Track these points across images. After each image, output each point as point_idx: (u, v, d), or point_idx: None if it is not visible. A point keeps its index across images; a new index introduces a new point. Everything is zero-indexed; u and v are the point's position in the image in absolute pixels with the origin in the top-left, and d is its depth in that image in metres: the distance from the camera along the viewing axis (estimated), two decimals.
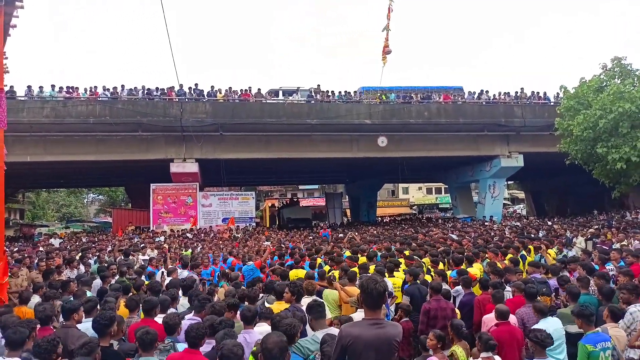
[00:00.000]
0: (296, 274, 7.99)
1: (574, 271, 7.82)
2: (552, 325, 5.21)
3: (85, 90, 22.81)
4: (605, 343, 4.68)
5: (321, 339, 4.19)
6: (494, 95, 26.66)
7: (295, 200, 45.24)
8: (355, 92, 26.35)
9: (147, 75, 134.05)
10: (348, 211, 45.52)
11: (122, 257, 12.01)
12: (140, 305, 5.70)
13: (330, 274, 7.52)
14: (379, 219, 39.75)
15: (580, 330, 4.95)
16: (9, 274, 8.20)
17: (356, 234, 17.73)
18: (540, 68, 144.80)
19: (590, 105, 17.25)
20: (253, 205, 26.70)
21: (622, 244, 11.28)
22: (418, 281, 7.05)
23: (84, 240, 20.95)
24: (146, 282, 7.93)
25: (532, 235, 14.55)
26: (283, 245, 14.98)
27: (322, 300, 4.89)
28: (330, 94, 25.29)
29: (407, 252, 10.25)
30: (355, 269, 8.09)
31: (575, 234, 14.42)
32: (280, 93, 26.45)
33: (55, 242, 20.33)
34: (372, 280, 3.37)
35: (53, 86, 22.35)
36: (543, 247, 10.19)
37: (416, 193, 60.37)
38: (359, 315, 4.80)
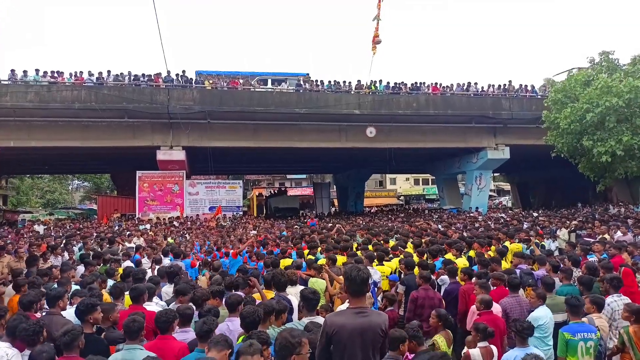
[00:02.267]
0: (283, 263, 8.00)
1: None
2: (547, 314, 5.29)
3: (71, 75, 22.41)
4: (587, 334, 4.75)
5: (305, 327, 4.21)
6: (482, 87, 26.77)
7: (283, 189, 45.19)
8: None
9: (135, 63, 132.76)
10: (336, 201, 45.60)
11: (107, 245, 11.93)
12: (125, 292, 5.68)
13: (326, 262, 7.56)
14: (367, 209, 39.90)
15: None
16: None
17: (344, 223, 17.79)
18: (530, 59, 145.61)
19: (578, 98, 17.41)
20: (240, 194, 26.60)
21: (602, 236, 11.45)
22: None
23: (68, 227, 20.74)
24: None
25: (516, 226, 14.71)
26: (270, 235, 14.98)
27: (318, 292, 4.90)
28: (319, 83, 25.18)
29: (392, 243, 10.31)
30: (344, 258, 8.15)
31: (559, 226, 14.60)
32: (269, 81, 26.27)
33: (40, 228, 20.09)
34: (355, 267, 3.41)
35: (37, 70, 21.93)
36: (532, 240, 10.29)
37: (403, 184, 60.66)
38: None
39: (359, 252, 8.47)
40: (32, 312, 4.94)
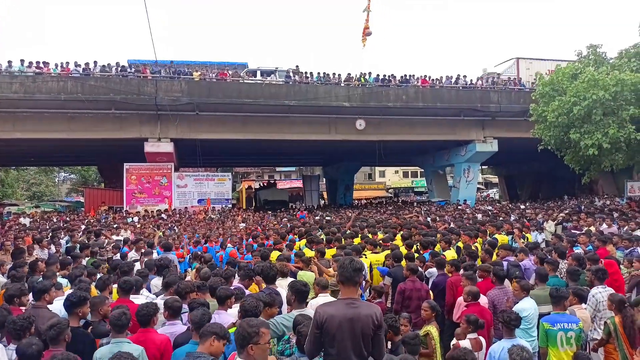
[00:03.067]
0: (273, 255, 8.00)
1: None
2: (532, 305, 5.35)
3: (56, 65, 22.06)
4: (568, 324, 4.81)
5: (294, 319, 4.21)
6: (471, 80, 26.86)
7: (272, 182, 45.08)
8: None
9: (126, 53, 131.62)
10: (325, 194, 45.63)
11: (94, 238, 11.83)
12: (111, 285, 5.65)
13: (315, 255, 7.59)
14: (356, 201, 39.98)
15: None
16: None
17: (334, 216, 17.82)
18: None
19: (565, 92, 17.54)
20: (229, 186, 26.49)
21: (587, 228, 11.60)
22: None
23: (55, 220, 20.52)
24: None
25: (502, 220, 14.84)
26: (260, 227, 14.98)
27: (307, 283, 4.91)
28: (308, 75, 25.08)
29: (380, 235, 10.35)
30: (333, 250, 8.18)
31: (545, 219, 14.76)
32: (258, 73, 26.09)
33: (25, 221, 19.86)
34: (348, 257, 3.48)
35: (22, 61, 21.53)
36: (516, 232, 10.39)
37: (392, 176, 60.85)
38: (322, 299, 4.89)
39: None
40: (15, 306, 4.88)
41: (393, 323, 4.46)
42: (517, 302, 5.40)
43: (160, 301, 4.99)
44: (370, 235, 10.09)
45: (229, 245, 11.03)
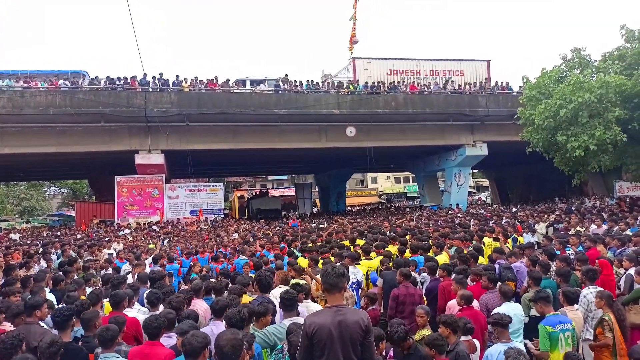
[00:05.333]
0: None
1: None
2: (513, 309, 5.38)
3: (44, 80, 21.97)
4: (565, 325, 4.84)
5: (287, 328, 4.22)
6: (459, 85, 27.09)
7: (264, 191, 45.00)
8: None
9: (115, 67, 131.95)
10: (318, 201, 45.62)
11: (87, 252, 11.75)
12: (102, 299, 5.63)
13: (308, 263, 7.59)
14: (349, 208, 40.01)
15: (542, 312, 5.12)
16: None
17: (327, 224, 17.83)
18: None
19: (551, 95, 17.72)
20: (221, 196, 26.44)
21: (576, 229, 11.69)
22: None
23: (45, 234, 20.35)
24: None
25: (494, 222, 14.93)
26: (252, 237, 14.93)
27: (295, 294, 4.90)
28: (298, 83, 25.17)
29: (361, 242, 10.35)
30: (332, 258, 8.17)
31: (536, 221, 14.86)
32: (248, 83, 26.15)
33: (16, 236, 19.68)
34: (330, 265, 3.54)
35: (10, 76, 21.46)
36: (501, 238, 10.40)
37: (385, 182, 61.03)
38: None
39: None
40: None
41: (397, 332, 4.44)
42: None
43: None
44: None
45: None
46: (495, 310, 5.19)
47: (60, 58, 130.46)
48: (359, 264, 7.85)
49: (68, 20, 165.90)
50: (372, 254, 8.59)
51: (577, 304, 5.53)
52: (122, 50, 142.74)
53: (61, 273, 8.07)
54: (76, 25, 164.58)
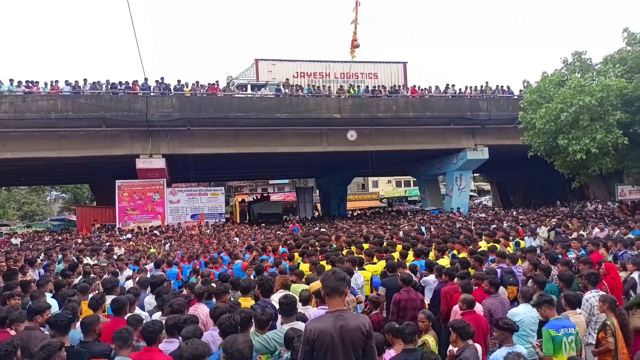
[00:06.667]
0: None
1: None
2: (529, 310, 5.36)
3: (46, 84, 22.01)
4: (568, 329, 4.82)
5: (285, 334, 4.19)
6: (460, 89, 27.11)
7: (265, 195, 45.04)
8: None
9: (117, 71, 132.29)
10: (319, 205, 45.60)
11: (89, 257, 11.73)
12: (103, 305, 5.62)
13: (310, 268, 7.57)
14: (350, 212, 39.99)
15: (546, 316, 5.10)
16: None
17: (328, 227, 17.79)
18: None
19: (552, 98, 17.73)
20: (222, 200, 26.43)
21: (579, 233, 11.66)
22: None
23: (46, 239, 20.33)
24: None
25: (495, 227, 14.89)
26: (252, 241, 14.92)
27: (294, 297, 4.87)
28: (299, 87, 25.19)
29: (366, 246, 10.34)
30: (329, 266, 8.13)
31: (538, 224, 14.83)
32: (249, 87, 26.21)
33: (17, 241, 19.68)
34: (330, 269, 3.53)
35: (12, 80, 21.47)
36: (502, 241, 10.39)
37: (386, 186, 60.99)
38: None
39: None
40: (4, 329, 4.82)
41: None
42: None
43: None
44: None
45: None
46: (512, 311, 5.18)
47: (59, 61, 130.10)
48: (364, 269, 7.84)
49: (68, 24, 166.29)
50: (375, 259, 8.61)
51: (580, 308, 5.51)
52: (123, 56, 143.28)
53: (62, 278, 8.07)
54: (76, 28, 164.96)
